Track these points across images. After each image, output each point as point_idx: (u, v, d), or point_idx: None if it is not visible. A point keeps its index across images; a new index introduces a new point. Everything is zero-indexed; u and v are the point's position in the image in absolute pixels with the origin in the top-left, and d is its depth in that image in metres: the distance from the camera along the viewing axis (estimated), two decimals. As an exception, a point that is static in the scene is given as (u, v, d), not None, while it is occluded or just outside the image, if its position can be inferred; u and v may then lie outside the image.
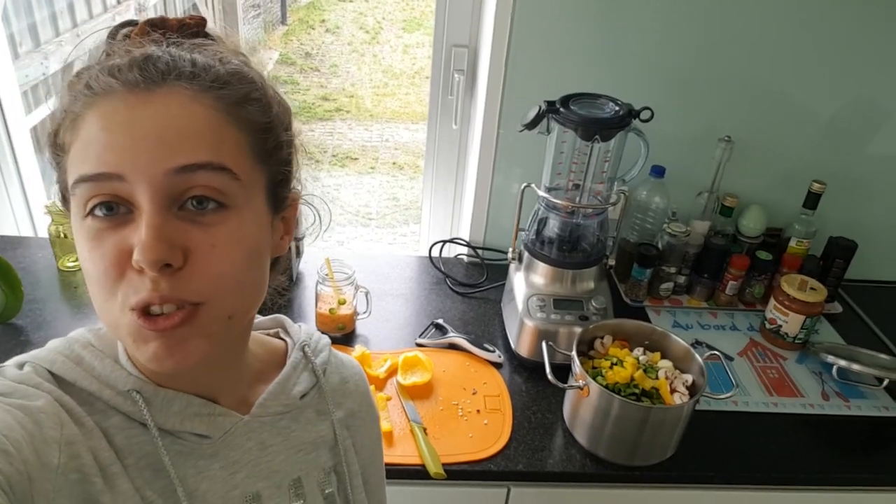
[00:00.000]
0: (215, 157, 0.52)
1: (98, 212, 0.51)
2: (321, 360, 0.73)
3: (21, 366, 0.56)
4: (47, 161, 0.57)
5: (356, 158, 4.33)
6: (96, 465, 0.53)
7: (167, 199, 0.50)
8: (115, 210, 0.51)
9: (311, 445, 0.69)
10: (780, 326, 1.43)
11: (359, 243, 3.51)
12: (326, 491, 0.70)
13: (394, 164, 4.31)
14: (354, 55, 5.52)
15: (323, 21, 5.99)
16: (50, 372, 0.56)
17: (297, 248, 1.53)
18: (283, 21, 5.94)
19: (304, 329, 0.76)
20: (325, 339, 0.77)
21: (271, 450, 0.65)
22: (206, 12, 4.27)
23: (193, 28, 0.57)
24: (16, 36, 2.20)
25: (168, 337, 0.51)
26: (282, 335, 0.75)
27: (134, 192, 0.50)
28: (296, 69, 5.24)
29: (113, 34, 0.57)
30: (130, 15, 3.14)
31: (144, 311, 0.51)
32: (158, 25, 0.56)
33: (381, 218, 3.76)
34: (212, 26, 0.59)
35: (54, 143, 0.55)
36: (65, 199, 0.57)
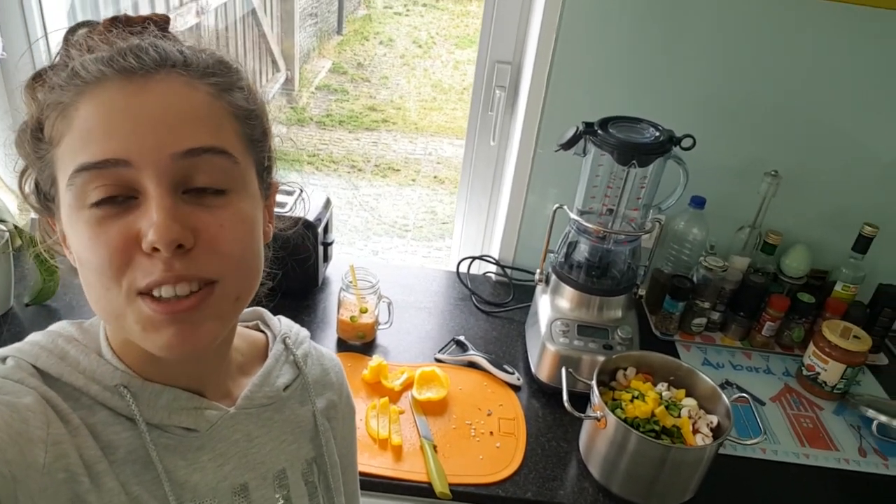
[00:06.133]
0: (217, 140, 0.53)
1: (100, 202, 0.50)
2: (302, 351, 0.74)
3: (3, 360, 0.55)
4: (24, 158, 0.56)
5: (398, 170, 4.33)
6: (82, 463, 0.52)
7: (173, 183, 0.51)
8: (116, 199, 0.50)
9: (293, 436, 0.69)
10: (819, 374, 1.36)
11: (393, 254, 3.51)
12: (309, 480, 0.70)
13: (435, 177, 4.30)
14: (405, 68, 5.56)
15: (377, 33, 6.06)
16: (34, 367, 0.55)
17: (326, 252, 1.53)
18: (339, 31, 6.02)
19: (284, 322, 0.77)
20: (305, 332, 0.77)
21: (257, 441, 0.65)
22: (264, 19, 4.36)
23: (160, 25, 0.57)
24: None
25: (182, 322, 0.51)
26: (261, 327, 0.76)
27: (140, 177, 0.49)
28: (347, 79, 5.29)
29: (72, 31, 0.56)
30: (192, 17, 3.21)
31: (154, 296, 0.51)
32: (124, 23, 0.56)
33: (418, 230, 3.76)
34: (173, 26, 0.59)
35: (36, 137, 0.54)
36: (43, 195, 0.56)
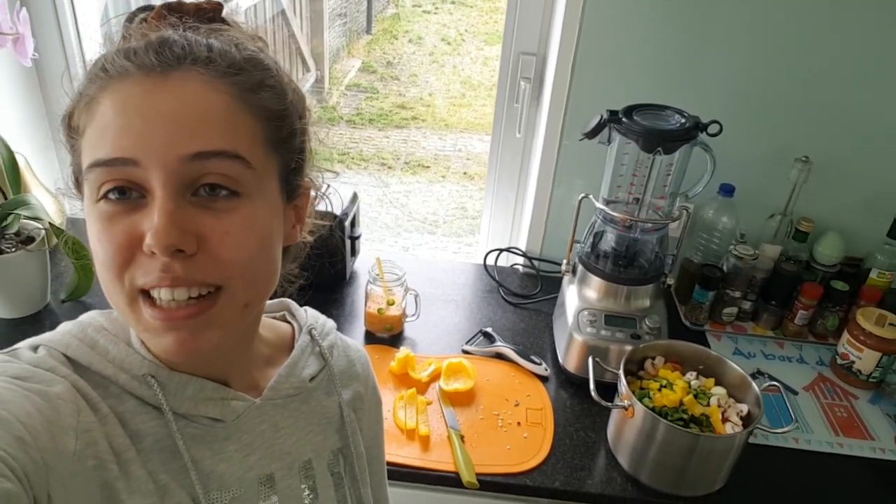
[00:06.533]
0: (229, 144, 0.51)
1: (111, 195, 0.50)
2: (328, 343, 0.74)
3: (35, 348, 0.56)
4: (63, 143, 0.57)
5: (428, 167, 4.36)
6: (111, 451, 0.53)
7: (180, 186, 0.50)
8: (128, 194, 0.50)
9: (319, 427, 0.69)
10: (853, 363, 1.34)
11: (423, 250, 3.53)
12: (334, 471, 0.70)
13: (464, 173, 4.32)
14: (434, 66, 5.58)
15: (406, 32, 6.09)
16: (65, 355, 0.56)
17: (353, 246, 1.54)
18: (368, 30, 6.06)
19: (311, 313, 0.76)
20: (332, 323, 0.77)
21: (283, 432, 0.66)
22: (293, 19, 4.42)
23: (210, 13, 0.57)
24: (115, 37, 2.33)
25: (180, 329, 0.51)
26: (288, 318, 0.76)
27: (148, 177, 0.49)
28: (376, 77, 5.34)
29: (130, 19, 0.56)
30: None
31: (154, 302, 0.51)
32: (175, 9, 0.56)
33: (448, 225, 3.77)
34: (228, 13, 0.59)
35: (69, 125, 0.55)
36: (77, 182, 0.57)
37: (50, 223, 1.29)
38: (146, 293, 0.51)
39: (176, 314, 0.51)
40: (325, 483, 0.68)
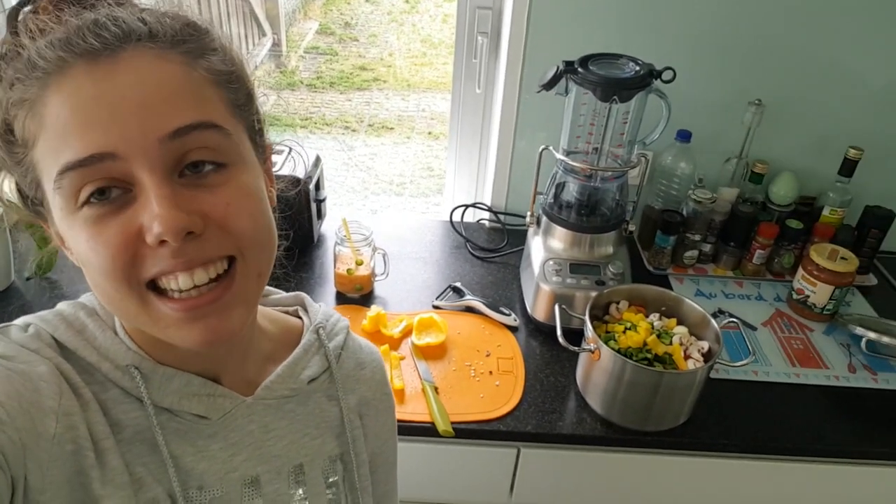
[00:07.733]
0: (203, 115, 0.49)
1: (93, 199, 0.47)
2: (335, 343, 0.70)
3: (26, 327, 0.55)
4: None
5: (392, 128, 4.32)
6: (90, 438, 0.52)
7: (166, 168, 0.47)
8: (108, 194, 0.47)
9: (316, 431, 0.67)
10: (808, 297, 1.39)
11: (392, 212, 3.53)
12: (330, 479, 0.67)
13: (429, 133, 4.30)
14: (393, 25, 5.49)
15: (363, -10, 5.97)
16: (53, 337, 0.54)
17: (319, 209, 1.55)
18: (324, -9, 5.93)
19: (323, 310, 0.73)
20: (343, 322, 0.74)
21: (274, 433, 0.63)
22: (245, -19, 4.29)
23: None
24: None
25: (208, 315, 0.50)
26: (300, 314, 0.73)
27: (130, 168, 0.46)
28: (335, 39, 5.24)
29: (13, 14, 0.50)
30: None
31: (172, 296, 0.49)
32: None
33: (415, 185, 3.77)
34: None
35: (7, 140, 0.49)
36: (33, 202, 0.52)
37: (9, 200, 1.27)
38: (155, 288, 0.49)
39: (199, 301, 0.49)
40: (317, 490, 0.66)
